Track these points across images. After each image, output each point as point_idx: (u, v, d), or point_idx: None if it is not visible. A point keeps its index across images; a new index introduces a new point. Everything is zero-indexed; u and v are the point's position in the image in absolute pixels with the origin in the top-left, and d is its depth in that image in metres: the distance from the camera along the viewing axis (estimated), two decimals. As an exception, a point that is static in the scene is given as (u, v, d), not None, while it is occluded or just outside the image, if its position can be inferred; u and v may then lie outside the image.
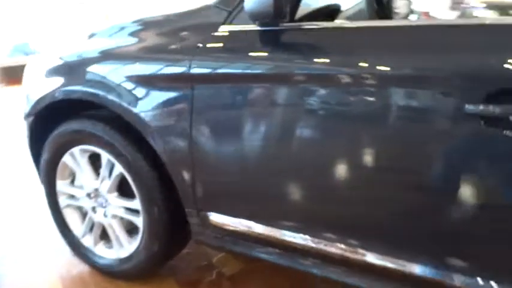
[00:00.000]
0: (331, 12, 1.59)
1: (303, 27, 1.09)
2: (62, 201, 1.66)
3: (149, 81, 1.27)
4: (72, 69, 1.48)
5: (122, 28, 1.45)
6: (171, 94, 1.25)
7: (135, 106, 1.28)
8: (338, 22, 1.47)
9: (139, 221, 1.45)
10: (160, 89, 1.26)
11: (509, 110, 0.81)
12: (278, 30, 1.10)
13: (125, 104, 1.30)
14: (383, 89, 0.93)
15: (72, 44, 1.57)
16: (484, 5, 2.35)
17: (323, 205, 1.12)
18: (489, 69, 0.84)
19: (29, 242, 1.95)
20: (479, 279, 0.93)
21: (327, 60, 1.02)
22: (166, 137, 1.27)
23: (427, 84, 0.90)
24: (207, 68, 1.18)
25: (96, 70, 1.39)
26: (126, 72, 1.31)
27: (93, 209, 1.58)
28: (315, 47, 1.07)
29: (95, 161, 1.53)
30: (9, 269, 1.77)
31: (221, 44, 1.18)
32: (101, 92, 1.35)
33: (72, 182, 1.65)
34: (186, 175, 1.27)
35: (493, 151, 0.85)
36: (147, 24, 1.43)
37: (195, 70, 1.18)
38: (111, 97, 1.32)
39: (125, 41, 1.39)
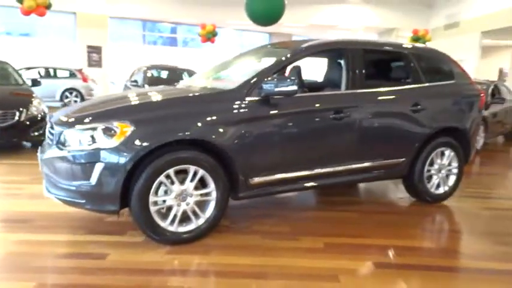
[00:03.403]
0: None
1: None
2: (152, 208, 2.63)
3: (228, 123, 2.80)
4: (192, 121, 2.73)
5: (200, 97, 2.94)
6: (236, 129, 2.82)
7: (224, 138, 2.76)
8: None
9: (211, 198, 2.81)
10: (232, 127, 2.80)
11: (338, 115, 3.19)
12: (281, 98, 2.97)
13: (221, 139, 2.75)
14: (318, 113, 3.15)
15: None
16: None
17: (303, 159, 3.15)
18: (329, 107, 3.20)
19: None
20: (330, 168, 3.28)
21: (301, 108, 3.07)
22: (238, 149, 2.82)
23: (323, 111, 3.18)
24: (248, 114, 2.87)
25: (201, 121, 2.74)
26: (219, 122, 2.78)
27: (178, 204, 2.71)
28: (296, 103, 3.07)
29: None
30: None
31: (251, 104, 2.90)
32: (213, 135, 2.74)
33: (156, 193, 2.67)
34: (244, 164, 2.87)
35: (338, 127, 3.25)
36: (201, 100, 2.93)
37: (243, 116, 2.85)
38: (219, 139, 2.75)
39: (205, 108, 2.80)
